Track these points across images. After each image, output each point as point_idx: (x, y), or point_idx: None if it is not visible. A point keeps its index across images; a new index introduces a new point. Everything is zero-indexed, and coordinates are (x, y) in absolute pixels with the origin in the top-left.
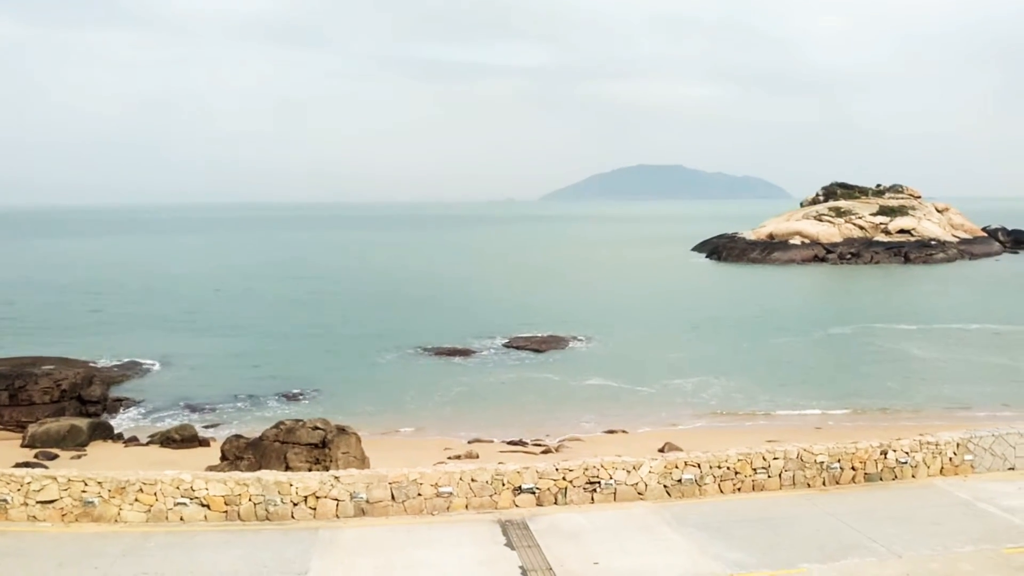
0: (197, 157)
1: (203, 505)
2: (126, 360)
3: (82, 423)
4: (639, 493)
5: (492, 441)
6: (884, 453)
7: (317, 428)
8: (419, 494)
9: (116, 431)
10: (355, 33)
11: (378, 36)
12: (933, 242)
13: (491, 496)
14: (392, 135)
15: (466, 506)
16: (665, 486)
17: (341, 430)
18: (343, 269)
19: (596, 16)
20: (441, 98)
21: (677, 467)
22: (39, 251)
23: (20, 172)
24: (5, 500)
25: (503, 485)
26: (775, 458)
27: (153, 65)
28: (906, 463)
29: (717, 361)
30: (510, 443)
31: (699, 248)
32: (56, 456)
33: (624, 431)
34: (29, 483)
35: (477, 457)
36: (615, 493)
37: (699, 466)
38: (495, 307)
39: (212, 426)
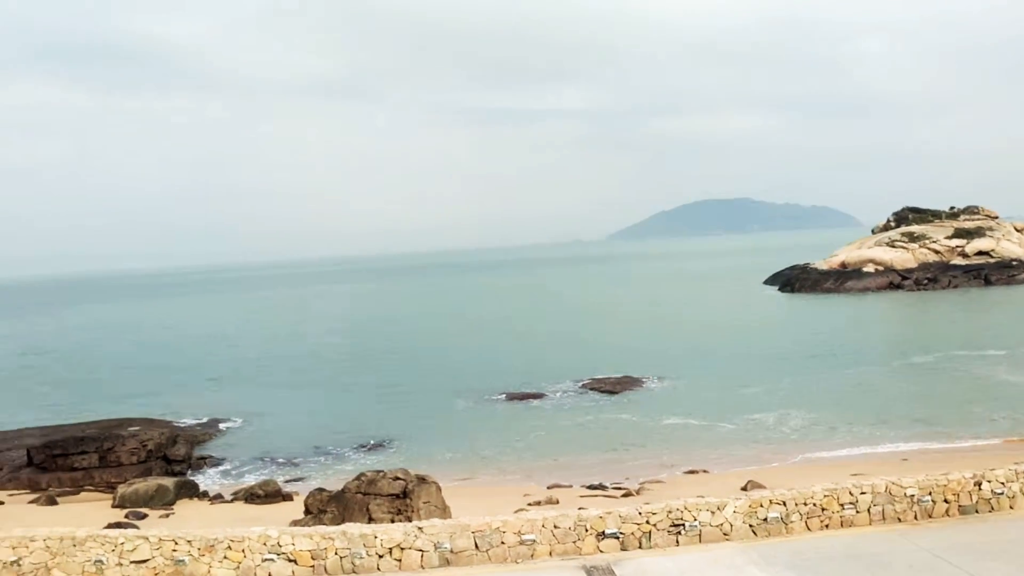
0: (259, 216)
1: (290, 560)
2: (207, 418)
3: (169, 482)
4: (724, 534)
5: (571, 486)
6: (978, 484)
7: (398, 478)
8: (502, 542)
9: (201, 489)
10: (409, 87)
11: (433, 89)
12: (1015, 262)
13: (575, 542)
14: (453, 184)
15: (550, 553)
16: (751, 525)
17: (421, 479)
18: (413, 317)
19: (651, 54)
20: (499, 145)
21: (762, 506)
22: (124, 314)
23: (90, 241)
24: (101, 561)
25: (586, 531)
26: (862, 492)
27: (216, 126)
28: (1002, 494)
29: (796, 394)
30: (590, 487)
31: (771, 281)
32: (145, 516)
33: (705, 471)
34: (123, 543)
35: (557, 503)
36: (700, 535)
37: (784, 503)
38: (566, 349)
39: (294, 480)
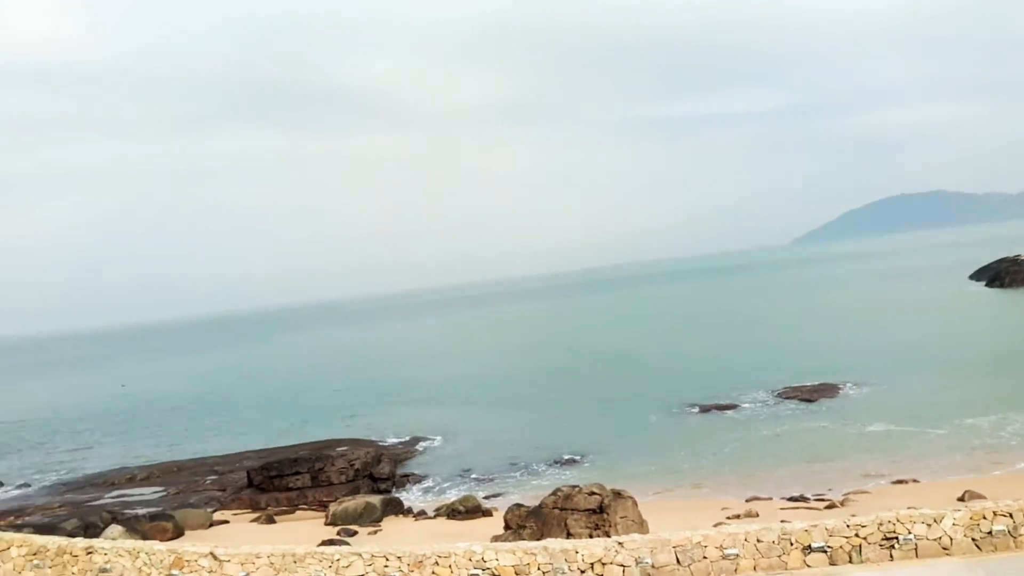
0: (448, 241)
1: None
2: (408, 437)
3: (376, 500)
4: (944, 548)
5: (770, 498)
6: None
7: (594, 493)
8: (704, 557)
9: (406, 506)
10: (594, 102)
11: (605, 103)
12: None
13: (779, 556)
14: (639, 195)
15: (754, 568)
16: (973, 539)
17: (617, 494)
18: (602, 331)
19: (830, 49)
20: (676, 154)
21: (985, 517)
22: (330, 340)
23: (301, 274)
24: None
25: (791, 544)
26: None
27: (411, 159)
28: None
29: (1014, 397)
30: (790, 499)
31: (977, 276)
32: (355, 532)
33: (915, 480)
34: (338, 560)
35: (757, 516)
36: (916, 549)
37: (1011, 515)
38: (757, 358)
39: (492, 496)
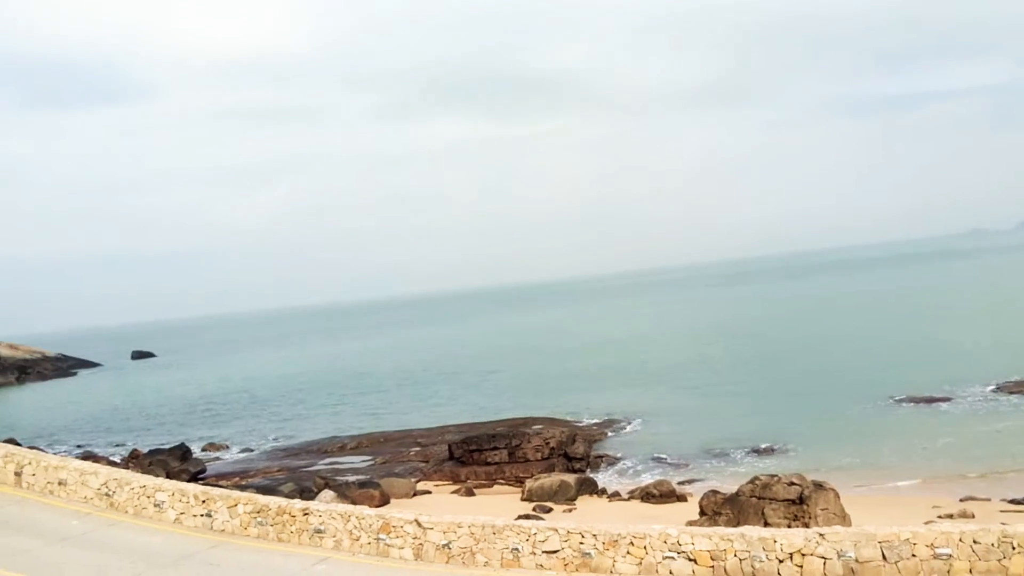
0: (636, 225)
1: (690, 560)
2: (603, 418)
3: (570, 479)
4: None
5: (988, 499)
6: None
7: (793, 484)
8: (913, 555)
9: (600, 486)
10: (783, 86)
11: (807, 84)
12: None
13: (999, 560)
14: (835, 177)
15: (969, 571)
16: None
17: (818, 486)
18: (800, 318)
19: None
20: (883, 133)
21: None
22: (525, 322)
23: (504, 254)
24: (517, 549)
25: (1013, 549)
26: None
27: (602, 145)
28: None
29: None
30: (1012, 501)
31: None
32: (550, 509)
33: None
34: (535, 534)
35: (973, 516)
36: None
37: None
38: (974, 349)
39: (687, 481)
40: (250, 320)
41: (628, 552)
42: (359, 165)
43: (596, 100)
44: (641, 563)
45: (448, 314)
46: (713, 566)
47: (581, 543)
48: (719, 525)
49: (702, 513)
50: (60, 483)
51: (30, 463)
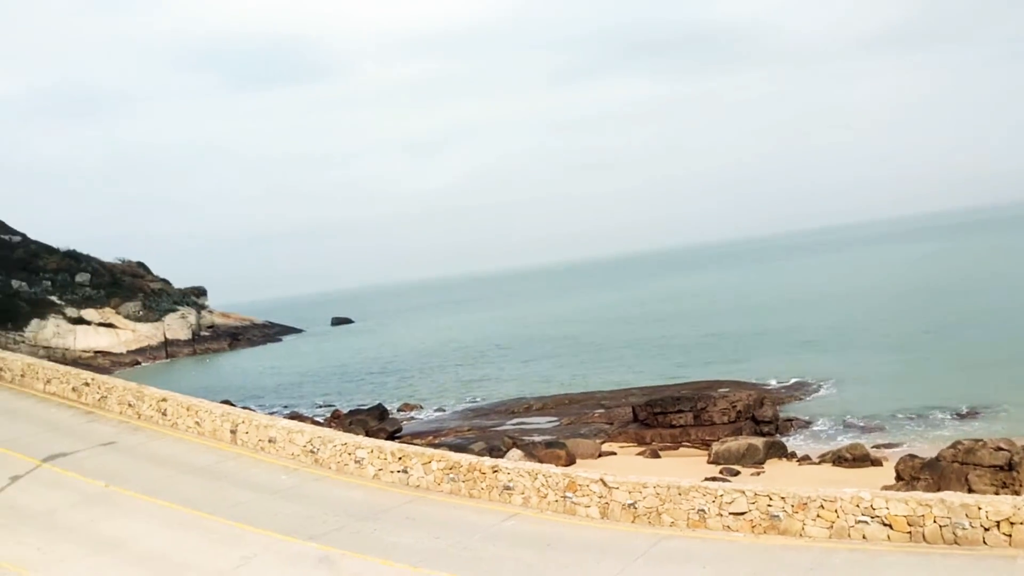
0: (835, 177)
1: (885, 524)
2: (792, 381)
3: (758, 442)
4: None
5: None
6: None
7: (1001, 449)
8: None
9: (789, 449)
10: (974, 28)
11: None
12: None
13: None
14: None
15: None
16: None
17: None
18: (1002, 276)
19: None
20: None
21: None
22: (708, 283)
23: (672, 215)
24: (703, 510)
25: None
26: None
27: (778, 99)
28: None
29: None
30: None
31: None
32: (738, 472)
33: None
34: (721, 495)
35: None
36: None
37: None
38: None
39: (882, 446)
40: (439, 285)
41: (818, 515)
42: (538, 130)
43: (771, 53)
44: (832, 527)
45: (624, 277)
46: (910, 532)
47: (769, 505)
48: (916, 491)
49: (898, 478)
50: (270, 441)
51: (243, 422)
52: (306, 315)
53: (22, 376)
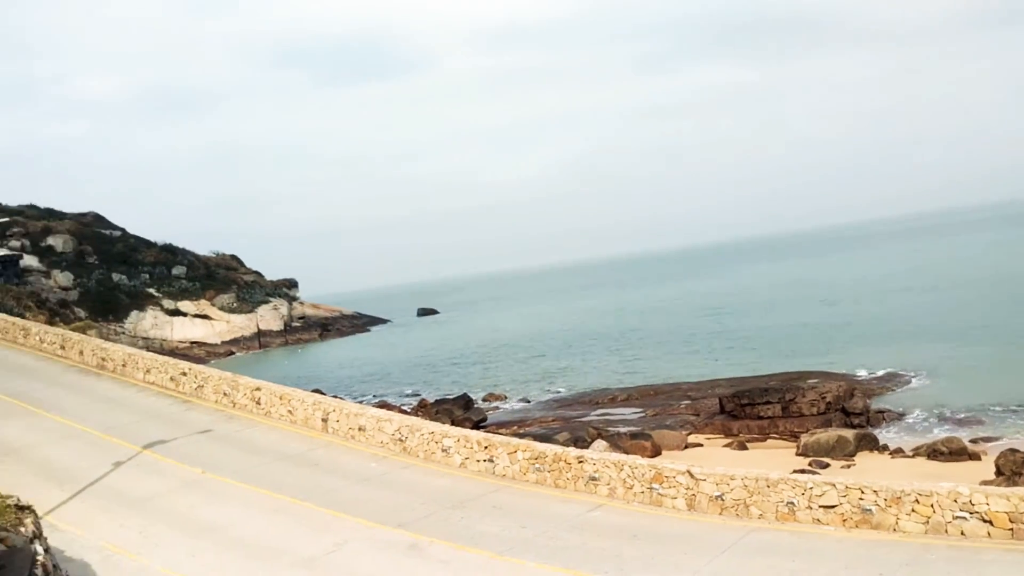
0: (915, 166)
1: (984, 521)
2: (883, 372)
3: (848, 434)
4: None
5: None
6: None
7: None
8: None
9: (880, 442)
10: None
11: None
12: None
13: None
14: None
15: None
16: None
17: None
18: None
19: None
20: None
21: None
22: (796, 272)
23: (762, 202)
24: (792, 503)
25: None
26: None
27: (877, 80)
28: None
29: None
30: None
31: None
32: (827, 465)
33: None
34: (811, 488)
35: None
36: None
37: None
38: None
39: (981, 439)
40: (525, 276)
41: (913, 510)
42: (627, 118)
43: (862, 35)
44: (928, 522)
45: (711, 266)
46: (1012, 529)
47: (861, 499)
48: (1018, 486)
49: (998, 473)
50: (360, 429)
51: (334, 411)
52: (393, 306)
53: (123, 366)
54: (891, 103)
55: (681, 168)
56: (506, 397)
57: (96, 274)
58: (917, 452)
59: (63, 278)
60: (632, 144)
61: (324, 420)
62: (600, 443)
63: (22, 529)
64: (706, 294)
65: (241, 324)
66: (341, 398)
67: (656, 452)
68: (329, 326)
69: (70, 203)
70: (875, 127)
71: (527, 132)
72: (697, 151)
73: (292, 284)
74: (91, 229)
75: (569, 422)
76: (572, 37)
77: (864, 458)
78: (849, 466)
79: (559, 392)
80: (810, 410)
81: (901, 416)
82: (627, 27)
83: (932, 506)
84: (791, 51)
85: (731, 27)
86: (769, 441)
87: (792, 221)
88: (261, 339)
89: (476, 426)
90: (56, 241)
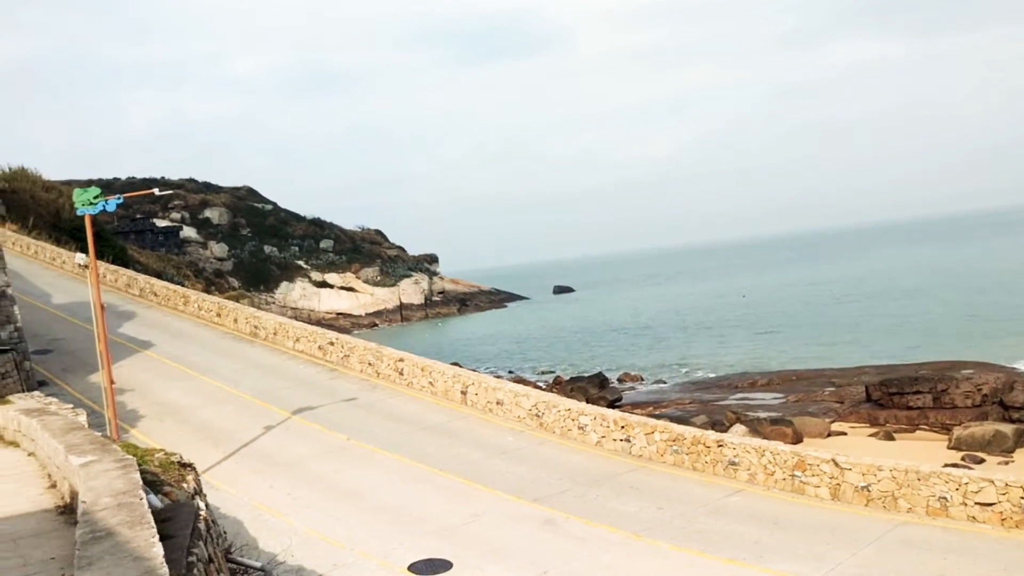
0: None
1: None
2: None
3: (1007, 428)
4: None
5: None
6: None
7: None
8: None
9: None
10: None
11: None
12: None
13: None
14: None
15: None
16: None
17: None
18: None
19: None
20: None
21: None
22: (957, 257)
23: (887, 188)
24: (945, 498)
25: None
26: None
27: None
28: None
29: None
30: None
31: None
32: (982, 460)
33: None
34: (966, 484)
35: None
36: None
37: None
38: None
39: None
40: (663, 255)
41: None
42: (766, 95)
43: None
44: None
45: (848, 250)
46: None
47: (1022, 498)
48: None
49: None
50: (498, 403)
51: (473, 384)
52: (530, 283)
53: (274, 334)
54: None
55: (823, 147)
56: (642, 378)
57: (249, 246)
58: None
59: (219, 249)
60: (774, 120)
61: (463, 392)
62: (739, 427)
63: (184, 485)
64: (847, 279)
65: (384, 297)
66: (478, 372)
67: (797, 439)
68: (468, 301)
69: (225, 178)
70: None
71: (668, 108)
72: (846, 128)
73: (433, 259)
74: (245, 203)
75: (706, 405)
76: (714, 13)
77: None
78: (1007, 463)
79: (696, 374)
80: (964, 402)
81: None
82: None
83: None
84: (946, 24)
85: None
86: (918, 432)
87: (936, 204)
88: (403, 312)
89: (611, 405)
90: (212, 214)
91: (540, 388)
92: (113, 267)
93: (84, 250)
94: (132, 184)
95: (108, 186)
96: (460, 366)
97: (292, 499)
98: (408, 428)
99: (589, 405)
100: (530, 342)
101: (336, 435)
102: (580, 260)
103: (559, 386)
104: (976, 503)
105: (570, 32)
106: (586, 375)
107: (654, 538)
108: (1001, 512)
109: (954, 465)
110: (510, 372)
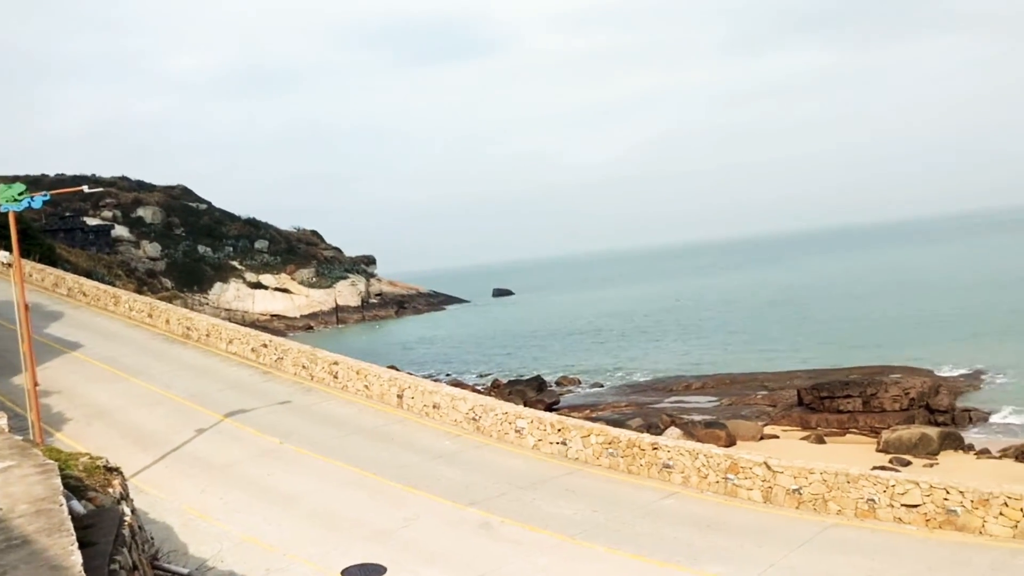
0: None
1: None
2: (969, 370)
3: (932, 432)
4: None
5: None
6: None
7: None
8: None
9: (966, 441)
10: None
11: None
12: None
13: None
14: None
15: None
16: None
17: None
18: None
19: None
20: None
21: None
22: (885, 262)
23: (849, 188)
24: (873, 500)
25: None
26: None
27: (969, 66)
28: None
29: None
30: None
31: None
32: (909, 463)
33: None
34: (893, 485)
35: None
36: None
37: None
38: None
39: None
40: (602, 258)
41: (1001, 513)
42: (706, 102)
43: (960, 18)
44: (1016, 527)
45: (789, 255)
46: None
47: (946, 499)
48: None
49: None
50: (435, 406)
51: (410, 387)
52: (469, 286)
53: (207, 336)
54: (984, 90)
55: (764, 154)
56: (579, 381)
57: (182, 245)
58: (1004, 453)
59: (151, 248)
60: (715, 127)
61: (399, 396)
62: (674, 430)
63: (110, 490)
64: (782, 284)
65: (320, 299)
66: (415, 375)
67: (731, 442)
68: (405, 304)
69: (163, 176)
70: (968, 115)
71: (609, 113)
72: (779, 136)
73: (370, 261)
74: (179, 202)
75: (642, 408)
76: (657, 19)
77: (948, 457)
78: (932, 465)
79: (633, 377)
80: (892, 406)
81: (988, 416)
82: (714, 7)
83: (1022, 510)
84: (882, 34)
85: (816, 9)
86: (848, 436)
87: (872, 212)
88: (339, 314)
89: (549, 408)
90: (146, 212)
91: (478, 392)
92: (40, 266)
93: (8, 248)
94: (61, 181)
95: (35, 183)
96: (397, 369)
97: (224, 503)
98: (343, 432)
99: (526, 408)
100: (468, 345)
101: (269, 439)
102: (521, 263)
103: (497, 389)
104: (902, 505)
105: (518, 34)
106: (524, 378)
107: (590, 541)
108: (925, 513)
109: (882, 468)
110: (447, 376)
